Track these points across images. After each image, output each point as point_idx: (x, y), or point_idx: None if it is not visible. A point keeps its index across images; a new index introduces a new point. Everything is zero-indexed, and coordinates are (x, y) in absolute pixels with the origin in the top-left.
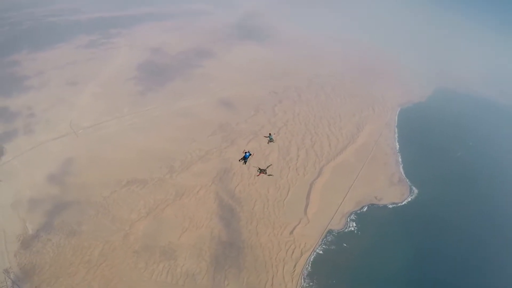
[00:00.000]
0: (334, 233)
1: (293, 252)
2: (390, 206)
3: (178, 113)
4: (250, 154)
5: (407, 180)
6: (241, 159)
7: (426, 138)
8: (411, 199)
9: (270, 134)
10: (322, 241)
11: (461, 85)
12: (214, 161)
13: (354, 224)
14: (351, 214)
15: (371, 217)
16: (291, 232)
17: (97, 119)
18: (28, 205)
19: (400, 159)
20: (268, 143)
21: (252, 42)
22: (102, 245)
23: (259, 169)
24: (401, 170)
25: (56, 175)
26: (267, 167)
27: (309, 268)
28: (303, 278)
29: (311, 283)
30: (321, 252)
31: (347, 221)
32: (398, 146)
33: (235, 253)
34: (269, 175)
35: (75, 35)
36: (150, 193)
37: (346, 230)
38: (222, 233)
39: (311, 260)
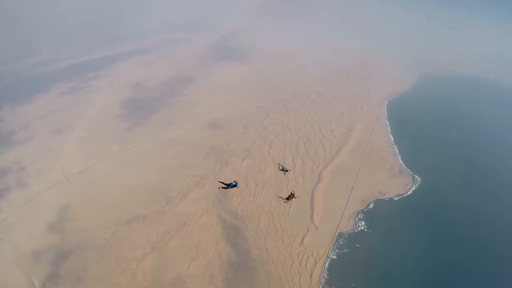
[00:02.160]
0: (344, 235)
1: (306, 262)
2: (396, 198)
3: (168, 143)
4: (236, 184)
5: (408, 169)
6: (224, 186)
7: (419, 126)
8: (416, 187)
9: (280, 165)
10: (334, 246)
11: (444, 69)
12: (211, 185)
13: (363, 223)
14: (358, 213)
15: (379, 213)
16: (301, 242)
17: (87, 163)
18: (31, 259)
19: (397, 151)
20: (284, 174)
21: (233, 62)
22: None
23: (286, 198)
24: (400, 161)
25: (54, 224)
26: (291, 194)
27: (325, 275)
28: (322, 286)
29: None
30: (335, 257)
31: (355, 221)
32: (392, 138)
33: (248, 273)
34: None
35: (54, 84)
36: (151, 228)
37: (356, 230)
38: (231, 255)
39: (326, 267)
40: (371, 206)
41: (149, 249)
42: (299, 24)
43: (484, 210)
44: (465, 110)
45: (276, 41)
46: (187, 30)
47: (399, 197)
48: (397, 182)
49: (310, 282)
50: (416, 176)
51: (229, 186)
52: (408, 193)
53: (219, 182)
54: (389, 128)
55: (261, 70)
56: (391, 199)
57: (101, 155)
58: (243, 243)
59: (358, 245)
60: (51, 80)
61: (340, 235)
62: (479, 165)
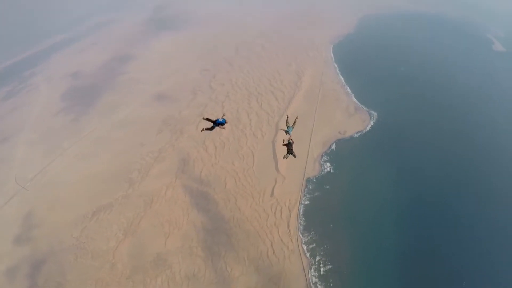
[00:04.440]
0: (313, 180)
1: (281, 213)
2: (356, 135)
3: (118, 125)
4: (224, 122)
5: (363, 106)
6: (208, 128)
7: (366, 64)
8: (373, 122)
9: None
10: (304, 191)
11: (384, 7)
12: (170, 157)
13: (329, 164)
14: (322, 156)
15: (342, 152)
16: (272, 195)
17: (41, 165)
18: (6, 279)
19: (349, 90)
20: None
21: (169, 32)
22: (93, 287)
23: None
24: (354, 99)
25: (21, 236)
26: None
27: (302, 221)
28: (301, 233)
29: (310, 235)
30: (307, 202)
31: (320, 164)
32: (343, 79)
33: (225, 236)
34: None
35: None
36: (119, 214)
37: (323, 172)
38: (205, 223)
39: (301, 213)
40: (334, 146)
41: (122, 237)
42: None
43: (439, 137)
44: (410, 44)
45: (210, 2)
46: (118, 9)
47: (359, 134)
48: (354, 120)
49: (289, 231)
50: (372, 112)
51: (214, 125)
52: (367, 129)
53: (205, 119)
54: (338, 70)
55: (200, 34)
56: (351, 137)
57: (53, 153)
58: (214, 207)
59: (327, 187)
60: None
61: (308, 180)
62: (429, 94)
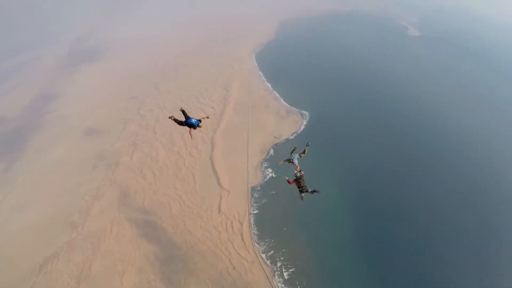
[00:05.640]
0: (257, 188)
1: (232, 227)
2: (292, 137)
3: (52, 167)
4: (198, 123)
5: (294, 108)
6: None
7: (291, 67)
8: (306, 121)
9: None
10: (251, 201)
11: (300, 10)
12: (110, 192)
13: (270, 170)
14: (262, 163)
15: (281, 156)
16: (219, 211)
17: None
18: None
19: (278, 95)
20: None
21: (92, 63)
22: None
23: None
24: (284, 103)
25: None
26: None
27: (256, 231)
28: (256, 243)
29: (266, 242)
30: (257, 211)
31: (262, 171)
32: (270, 86)
33: (181, 262)
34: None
35: None
36: (68, 262)
37: (266, 179)
38: (157, 253)
39: (253, 223)
40: (272, 152)
41: (76, 285)
42: (145, 5)
43: (371, 127)
44: (330, 42)
45: (130, 29)
46: (37, 46)
47: (295, 135)
48: (288, 123)
49: (244, 243)
50: (304, 112)
51: (185, 123)
52: (302, 128)
53: (181, 110)
54: (263, 77)
55: (124, 62)
56: (287, 139)
57: None
58: (163, 235)
59: (273, 192)
60: None
61: (253, 189)
62: (355, 86)
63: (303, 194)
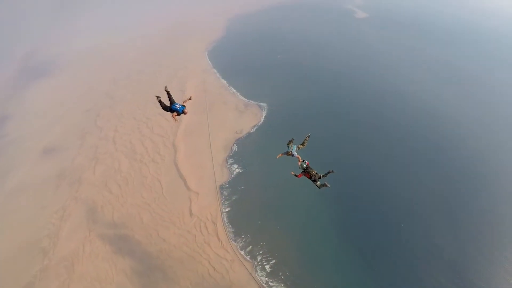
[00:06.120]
0: (225, 186)
1: (207, 228)
2: (253, 130)
3: (13, 192)
4: (182, 109)
5: (252, 101)
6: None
7: (244, 61)
8: (266, 113)
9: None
10: (221, 200)
11: (248, 4)
12: (76, 211)
13: (236, 166)
14: (227, 160)
15: (245, 150)
16: (191, 214)
17: None
18: None
19: (234, 90)
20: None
21: (43, 79)
22: None
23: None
24: (241, 97)
25: None
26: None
27: (231, 229)
28: (233, 241)
29: (243, 239)
30: (228, 208)
31: (228, 168)
32: (225, 82)
33: (161, 272)
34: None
35: None
36: None
37: (233, 175)
38: (135, 266)
39: (226, 221)
40: (235, 148)
41: None
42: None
43: (328, 111)
44: (280, 33)
45: (78, 41)
46: None
47: (256, 127)
48: (247, 116)
49: (221, 243)
50: (262, 104)
51: (170, 109)
52: (262, 120)
53: (166, 91)
54: (218, 75)
55: (74, 75)
56: (249, 133)
57: None
58: (138, 247)
59: (242, 187)
60: None
61: (222, 187)
62: (310, 72)
63: (318, 183)
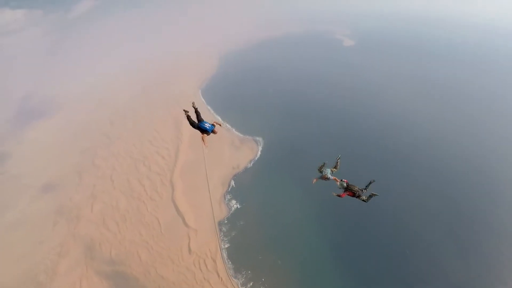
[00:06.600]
0: (224, 222)
1: (206, 265)
2: (250, 165)
3: (11, 228)
4: (212, 129)
5: (247, 136)
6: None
7: (237, 97)
8: (262, 147)
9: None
10: (220, 236)
11: (238, 40)
12: (74, 247)
13: (234, 201)
14: (225, 196)
15: (243, 185)
16: (190, 251)
17: None
18: None
19: (229, 126)
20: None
21: (41, 119)
22: None
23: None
24: (236, 133)
25: None
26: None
27: (231, 265)
28: (233, 277)
29: (244, 275)
30: (228, 244)
31: (226, 203)
32: (219, 118)
33: None
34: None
35: None
36: None
37: (232, 211)
38: None
39: (226, 257)
40: (233, 183)
41: None
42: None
43: (324, 139)
44: (271, 67)
45: (75, 83)
46: None
47: (253, 162)
48: (243, 151)
49: (221, 279)
50: (257, 138)
51: (199, 127)
52: (258, 155)
53: (194, 108)
54: (212, 111)
55: (72, 116)
56: (246, 168)
57: None
58: (136, 285)
59: (241, 222)
60: None
61: (220, 223)
62: (303, 103)
63: (363, 197)
